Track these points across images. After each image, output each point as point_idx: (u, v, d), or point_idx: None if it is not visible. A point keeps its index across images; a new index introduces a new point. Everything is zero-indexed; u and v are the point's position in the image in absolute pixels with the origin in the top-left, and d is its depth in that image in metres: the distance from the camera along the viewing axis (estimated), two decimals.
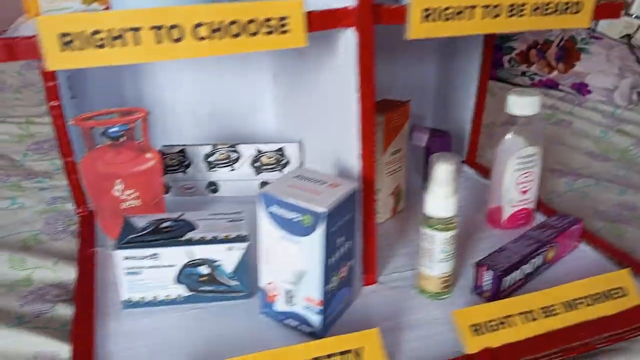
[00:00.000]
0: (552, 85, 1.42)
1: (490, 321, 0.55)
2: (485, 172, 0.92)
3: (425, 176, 0.87)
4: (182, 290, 0.59)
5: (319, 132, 0.73)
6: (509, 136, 0.71)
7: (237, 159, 0.81)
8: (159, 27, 0.46)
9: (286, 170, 0.81)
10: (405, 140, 0.78)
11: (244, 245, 0.58)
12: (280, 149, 0.81)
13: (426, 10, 0.54)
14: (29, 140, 1.04)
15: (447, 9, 0.54)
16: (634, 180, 0.97)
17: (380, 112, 0.71)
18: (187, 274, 0.58)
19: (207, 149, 0.80)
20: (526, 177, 0.72)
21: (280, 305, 0.57)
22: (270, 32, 0.50)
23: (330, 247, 0.52)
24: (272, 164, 0.81)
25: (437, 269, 0.60)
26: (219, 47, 0.47)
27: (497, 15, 0.57)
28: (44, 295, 0.64)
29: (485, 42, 0.85)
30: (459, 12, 0.55)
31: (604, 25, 1.53)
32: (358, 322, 0.58)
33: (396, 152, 0.76)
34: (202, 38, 0.47)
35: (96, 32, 0.44)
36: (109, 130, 0.67)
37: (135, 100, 0.85)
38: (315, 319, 0.55)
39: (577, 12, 0.61)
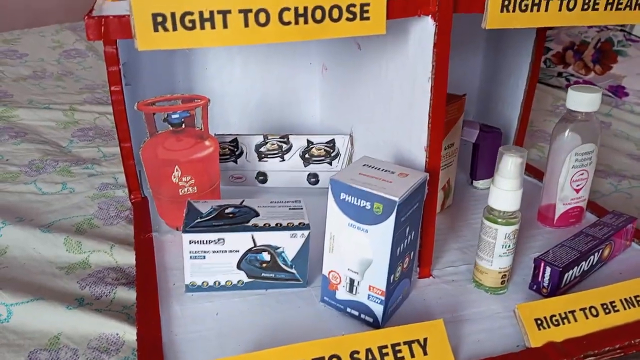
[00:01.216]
0: None
1: (553, 316, 0.55)
2: (530, 170, 0.92)
3: (472, 172, 0.87)
4: (242, 276, 0.60)
5: (374, 124, 0.73)
6: (566, 133, 0.71)
7: (287, 150, 0.81)
8: (247, 11, 0.46)
9: (335, 162, 0.81)
10: (459, 135, 0.78)
11: (306, 232, 0.58)
12: (330, 141, 0.81)
13: (505, 0, 0.54)
14: (74, 127, 1.05)
15: (523, 0, 0.54)
16: None
17: None
18: (249, 260, 0.59)
19: (259, 139, 0.81)
20: (581, 174, 0.72)
21: (341, 294, 0.57)
22: (351, 19, 0.50)
23: (398, 236, 0.52)
24: (322, 156, 0.81)
25: (497, 264, 0.60)
26: (303, 32, 0.48)
27: (572, 9, 0.57)
28: (103, 279, 0.65)
29: (537, 38, 0.85)
30: (536, 4, 0.55)
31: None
32: (417, 314, 0.59)
33: (449, 146, 0.76)
34: (287, 23, 0.47)
35: (187, 14, 0.44)
36: (171, 116, 0.68)
37: (185, 90, 0.86)
38: (377, 308, 0.55)
39: None
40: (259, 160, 0.81)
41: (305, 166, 0.81)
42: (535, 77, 0.89)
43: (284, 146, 0.81)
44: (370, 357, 0.49)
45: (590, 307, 0.56)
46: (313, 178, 0.81)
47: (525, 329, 0.53)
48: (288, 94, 0.91)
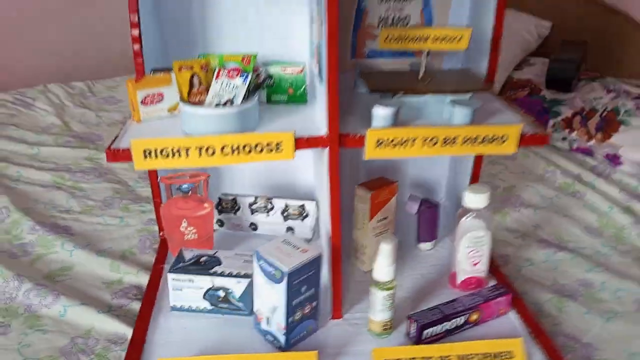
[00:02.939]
0: (588, 152, 1.54)
1: (401, 358, 0.79)
2: None
3: (417, 237, 1.10)
4: (206, 304, 0.89)
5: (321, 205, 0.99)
6: (463, 220, 0.92)
7: (271, 209, 1.10)
8: (200, 148, 0.76)
9: (306, 220, 1.08)
10: (393, 211, 1.01)
11: (247, 280, 0.87)
12: (302, 205, 1.09)
13: (378, 140, 0.79)
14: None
15: (393, 139, 0.79)
16: (612, 259, 1.11)
17: (369, 190, 0.96)
18: (210, 295, 0.88)
19: (251, 199, 1.10)
20: (476, 253, 0.93)
21: (263, 325, 0.85)
22: (270, 150, 0.78)
23: (293, 292, 0.79)
24: (296, 215, 1.09)
25: (378, 316, 0.85)
26: (237, 159, 0.77)
27: (434, 144, 0.80)
28: (127, 294, 0.98)
29: None
30: (403, 142, 0.79)
31: None
32: (316, 345, 0.84)
33: (383, 219, 1.00)
34: (227, 153, 0.76)
35: (164, 149, 0.75)
36: (182, 186, 0.99)
37: None
38: (282, 338, 0.82)
39: (504, 142, 0.82)
40: (251, 214, 1.10)
41: (284, 221, 1.09)
42: (479, 165, 1.08)
43: (269, 205, 1.10)
44: None
45: (430, 357, 0.79)
46: (290, 230, 1.09)
47: None
48: (287, 163, 1.19)
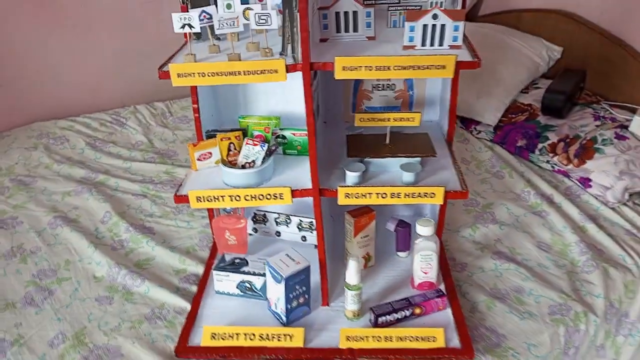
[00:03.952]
0: (566, 175, 1.82)
1: (357, 336, 1.19)
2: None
3: (396, 248, 1.48)
4: (238, 291, 1.33)
5: None
6: (416, 242, 1.30)
7: (290, 222, 1.52)
8: (231, 196, 1.18)
9: (314, 232, 1.49)
10: (373, 230, 1.40)
11: (263, 278, 1.29)
12: (311, 221, 1.50)
13: (346, 194, 1.17)
14: None
15: (356, 193, 1.17)
16: (548, 271, 1.44)
17: (353, 216, 1.35)
18: (240, 285, 1.32)
19: (276, 215, 1.53)
20: (426, 265, 1.31)
21: (273, 307, 1.28)
22: (276, 198, 1.19)
23: (289, 290, 1.21)
24: (307, 228, 1.50)
25: (350, 307, 1.25)
26: (255, 203, 1.19)
27: (385, 197, 1.18)
28: (189, 279, 1.44)
29: None
30: (364, 194, 1.17)
31: (636, 125, 1.85)
32: (307, 323, 1.27)
33: (365, 236, 1.39)
34: (248, 200, 1.18)
35: (208, 196, 1.18)
36: (226, 208, 1.43)
37: None
38: (284, 318, 1.25)
39: (434, 197, 1.17)
40: (276, 225, 1.53)
41: (299, 231, 1.51)
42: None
43: (288, 220, 1.52)
44: (264, 336, 1.20)
45: (379, 336, 1.19)
46: (303, 238, 1.51)
47: (339, 338, 1.19)
48: None
